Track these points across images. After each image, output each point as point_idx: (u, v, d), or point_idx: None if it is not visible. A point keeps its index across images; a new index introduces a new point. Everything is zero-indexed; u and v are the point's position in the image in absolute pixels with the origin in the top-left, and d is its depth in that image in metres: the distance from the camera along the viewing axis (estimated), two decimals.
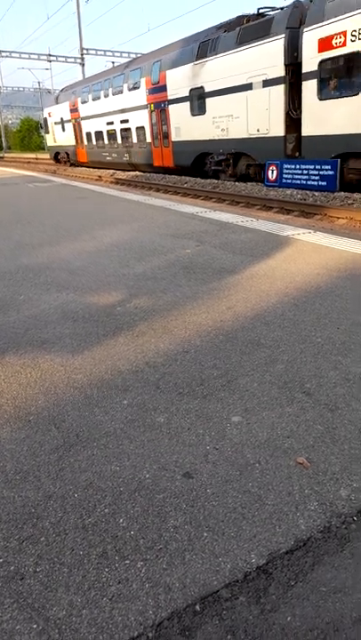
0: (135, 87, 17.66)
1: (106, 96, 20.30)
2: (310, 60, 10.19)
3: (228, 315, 3.10)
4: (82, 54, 36.30)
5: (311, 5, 10.20)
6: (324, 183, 10.61)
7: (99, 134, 21.82)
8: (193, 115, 14.51)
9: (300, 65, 10.55)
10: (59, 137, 27.47)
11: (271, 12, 12.04)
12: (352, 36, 9.18)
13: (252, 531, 1.41)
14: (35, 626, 1.16)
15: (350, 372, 2.31)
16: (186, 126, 15.05)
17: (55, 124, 27.33)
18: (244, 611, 1.19)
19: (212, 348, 2.63)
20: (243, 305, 3.26)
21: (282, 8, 11.50)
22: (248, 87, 12.00)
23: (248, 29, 11.94)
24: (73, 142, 25.33)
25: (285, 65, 10.81)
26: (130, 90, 18.05)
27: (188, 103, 14.61)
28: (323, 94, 10.16)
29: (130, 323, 3.03)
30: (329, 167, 10.44)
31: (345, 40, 9.35)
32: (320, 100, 10.23)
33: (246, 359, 2.48)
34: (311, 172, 10.88)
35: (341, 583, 1.25)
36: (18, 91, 58.79)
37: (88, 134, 23.04)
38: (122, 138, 19.64)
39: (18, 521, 1.48)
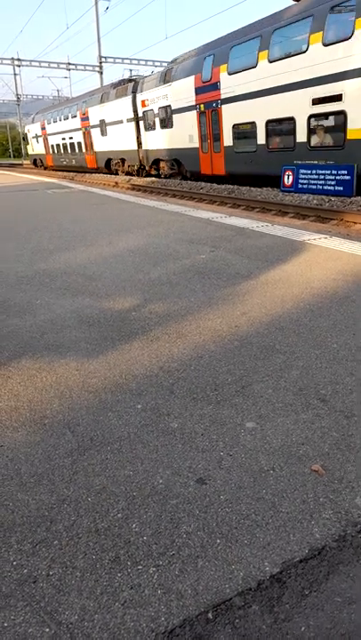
0: (74, 116, 27.51)
1: (60, 120, 29.97)
2: (140, 110, 19.91)
3: (242, 320, 3.09)
4: (100, 63, 36.79)
5: (141, 82, 20.01)
6: (341, 188, 10.53)
7: (58, 146, 31.61)
8: (102, 135, 24.38)
9: (137, 112, 20.21)
10: (35, 147, 37.45)
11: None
12: (149, 101, 18.89)
13: (266, 538, 1.40)
14: (47, 630, 1.16)
15: None
16: (99, 142, 25.05)
17: (32, 137, 37.41)
18: (258, 620, 1.17)
19: (227, 353, 2.62)
20: (258, 310, 3.25)
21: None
22: (121, 122, 21.81)
23: (120, 90, 21.88)
24: (44, 151, 35.02)
25: (133, 112, 20.53)
26: (72, 117, 27.88)
27: (99, 128, 24.57)
28: (146, 129, 19.77)
29: (145, 327, 3.04)
30: (345, 172, 10.36)
31: (148, 103, 18.98)
32: (145, 131, 19.83)
33: (261, 365, 2.46)
34: (327, 177, 10.82)
35: (357, 594, 1.23)
36: (37, 99, 59.74)
37: (52, 146, 32.78)
38: (70, 149, 29.45)
39: (32, 524, 1.49)
